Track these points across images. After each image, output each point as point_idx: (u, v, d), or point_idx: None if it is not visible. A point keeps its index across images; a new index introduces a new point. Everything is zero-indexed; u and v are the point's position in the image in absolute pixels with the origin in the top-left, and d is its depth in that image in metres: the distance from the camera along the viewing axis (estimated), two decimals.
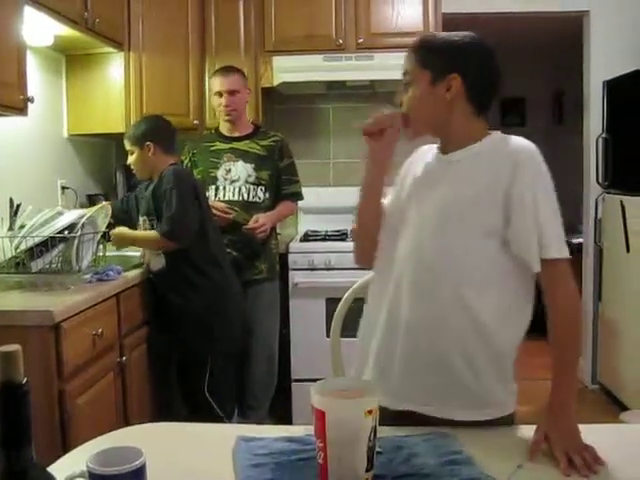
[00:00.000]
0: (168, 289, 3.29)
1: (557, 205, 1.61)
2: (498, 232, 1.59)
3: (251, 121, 4.05)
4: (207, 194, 3.68)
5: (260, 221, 3.75)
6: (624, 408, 4.27)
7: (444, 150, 1.74)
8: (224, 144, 3.89)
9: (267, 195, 3.85)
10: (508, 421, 1.65)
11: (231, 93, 3.81)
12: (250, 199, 3.79)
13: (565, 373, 1.58)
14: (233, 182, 3.81)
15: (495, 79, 1.71)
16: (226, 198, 3.80)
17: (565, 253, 1.57)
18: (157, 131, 3.35)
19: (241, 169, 3.80)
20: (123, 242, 3.37)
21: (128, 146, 3.35)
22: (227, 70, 3.88)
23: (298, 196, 4.04)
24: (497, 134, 1.71)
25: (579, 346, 1.69)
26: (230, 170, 3.82)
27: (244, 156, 3.84)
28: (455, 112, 1.68)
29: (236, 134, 3.91)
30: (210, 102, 4.09)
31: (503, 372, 1.67)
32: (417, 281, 1.64)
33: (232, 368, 3.57)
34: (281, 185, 3.93)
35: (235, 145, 3.87)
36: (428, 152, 1.80)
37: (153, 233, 3.20)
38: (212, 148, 3.90)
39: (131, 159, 3.37)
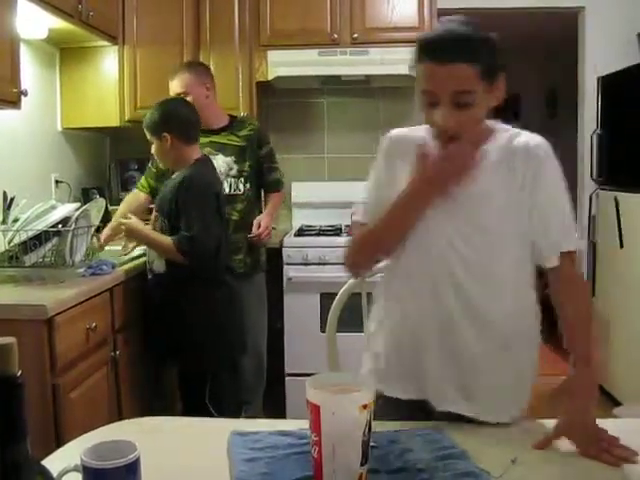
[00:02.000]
0: (170, 298, 3.12)
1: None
2: (526, 230, 1.62)
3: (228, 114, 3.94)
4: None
5: (263, 224, 3.74)
6: (617, 403, 4.28)
7: None
8: (202, 138, 3.66)
9: (247, 186, 3.78)
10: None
11: (180, 95, 3.64)
12: (232, 192, 3.71)
13: (587, 334, 1.61)
14: None
15: None
16: None
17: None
18: (173, 120, 3.09)
19: (221, 163, 3.69)
20: (134, 236, 3.19)
21: (148, 135, 3.14)
22: (175, 71, 3.74)
23: (281, 184, 3.98)
24: (502, 126, 1.68)
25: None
26: None
27: (223, 149, 3.74)
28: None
29: (212, 127, 3.76)
30: None
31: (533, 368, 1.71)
32: (464, 280, 1.60)
33: (229, 373, 3.40)
34: (264, 173, 3.87)
35: (213, 138, 3.75)
36: (415, 143, 1.65)
37: (168, 241, 2.98)
38: None
39: (152, 149, 3.18)
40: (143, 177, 3.85)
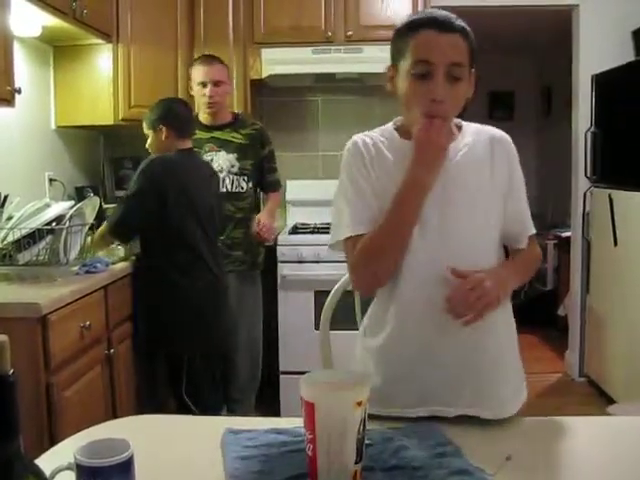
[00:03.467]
0: (147, 285, 3.25)
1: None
2: (501, 219, 1.66)
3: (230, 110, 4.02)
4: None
5: (263, 221, 3.76)
6: (611, 401, 4.29)
7: None
8: (205, 133, 3.81)
9: (250, 185, 3.82)
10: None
11: (216, 84, 3.72)
12: (233, 190, 3.76)
13: (521, 266, 1.71)
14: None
15: None
16: None
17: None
18: (171, 115, 3.29)
19: (223, 159, 3.76)
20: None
21: (145, 129, 3.34)
22: (211, 59, 3.79)
23: (279, 185, 4.08)
24: (462, 121, 1.69)
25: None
26: (212, 160, 3.73)
27: (226, 146, 3.78)
28: None
29: (216, 123, 3.84)
30: (189, 91, 3.97)
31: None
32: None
33: (214, 369, 3.48)
34: (265, 173, 3.92)
35: (216, 134, 3.80)
36: (382, 145, 1.66)
37: (103, 225, 3.24)
38: (194, 137, 3.67)
39: (147, 143, 3.35)
40: None
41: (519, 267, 1.70)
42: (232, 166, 3.76)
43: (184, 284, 3.18)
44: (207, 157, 3.75)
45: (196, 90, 3.79)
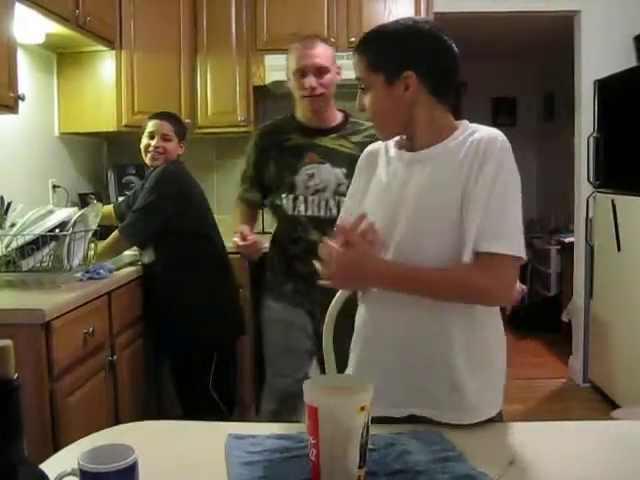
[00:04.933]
0: (163, 284, 3.32)
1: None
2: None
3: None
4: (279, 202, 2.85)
5: None
6: (615, 406, 4.28)
7: (412, 148, 1.65)
8: (304, 138, 2.87)
9: None
10: (498, 418, 1.64)
11: (319, 71, 2.77)
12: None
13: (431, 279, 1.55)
14: (318, 192, 2.80)
15: (450, 63, 1.62)
16: (308, 213, 2.82)
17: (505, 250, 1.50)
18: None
19: (328, 175, 2.80)
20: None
21: (170, 130, 3.42)
22: (312, 41, 2.84)
23: None
24: (465, 125, 1.64)
25: (454, 292, 1.56)
26: (313, 175, 2.80)
27: (332, 157, 2.82)
28: (418, 108, 1.61)
29: (321, 125, 2.90)
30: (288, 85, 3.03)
31: (496, 366, 1.68)
32: None
33: (234, 366, 3.56)
34: None
35: (320, 141, 2.85)
36: (384, 152, 1.74)
37: (115, 232, 3.29)
38: (288, 143, 2.88)
39: (165, 144, 3.41)
40: (245, 190, 3.05)
41: (425, 278, 1.54)
42: (339, 184, 2.77)
43: (214, 278, 3.37)
44: (306, 170, 2.83)
45: (292, 81, 2.86)
